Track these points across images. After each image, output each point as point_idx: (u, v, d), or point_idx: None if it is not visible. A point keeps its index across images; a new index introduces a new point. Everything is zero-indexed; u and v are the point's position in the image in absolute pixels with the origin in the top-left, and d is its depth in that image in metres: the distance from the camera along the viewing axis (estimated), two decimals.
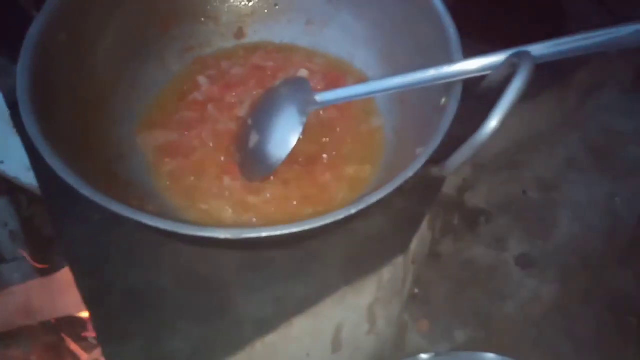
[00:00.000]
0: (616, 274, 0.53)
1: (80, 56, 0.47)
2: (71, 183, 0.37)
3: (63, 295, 0.67)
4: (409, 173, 0.36)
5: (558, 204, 0.56)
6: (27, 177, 0.82)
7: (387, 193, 0.35)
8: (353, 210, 0.35)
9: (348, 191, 0.46)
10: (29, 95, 0.40)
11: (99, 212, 0.46)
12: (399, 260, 0.42)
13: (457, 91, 0.40)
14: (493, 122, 0.34)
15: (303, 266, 0.41)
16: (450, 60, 0.43)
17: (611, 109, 0.62)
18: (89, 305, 0.40)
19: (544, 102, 0.58)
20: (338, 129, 0.50)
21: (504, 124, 0.34)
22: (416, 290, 0.52)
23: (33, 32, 0.44)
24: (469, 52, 0.43)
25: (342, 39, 0.55)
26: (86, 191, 0.36)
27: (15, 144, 0.87)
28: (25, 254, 0.77)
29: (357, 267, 0.41)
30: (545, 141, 0.60)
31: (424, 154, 0.37)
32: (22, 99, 0.40)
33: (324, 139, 0.49)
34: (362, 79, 0.53)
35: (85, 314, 0.69)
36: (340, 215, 0.35)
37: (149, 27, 0.53)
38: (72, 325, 0.71)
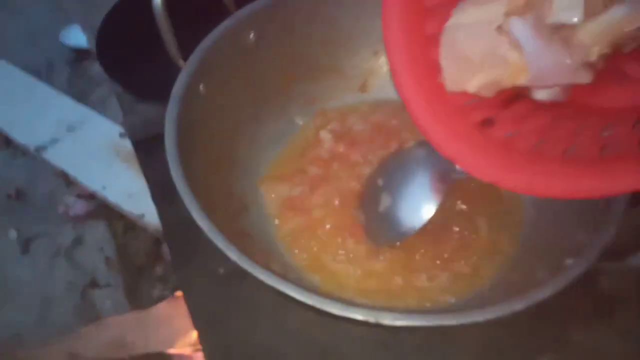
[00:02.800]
0: None
1: (214, 107, 0.48)
2: (212, 237, 0.36)
3: (156, 330, 0.67)
4: (581, 268, 0.33)
5: None
6: (127, 204, 0.85)
7: (557, 289, 0.33)
8: (518, 307, 0.32)
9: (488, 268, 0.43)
10: (176, 149, 0.41)
11: (222, 265, 0.46)
12: (545, 358, 0.38)
13: None
14: None
15: (438, 350, 0.38)
16: None
17: None
18: None
19: None
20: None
21: None
22: None
23: (180, 83, 0.44)
24: None
25: None
26: (225, 247, 0.36)
27: (117, 170, 0.92)
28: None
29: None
30: None
31: (594, 246, 0.34)
32: (170, 153, 0.40)
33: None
34: None
35: (174, 350, 0.69)
36: (500, 312, 0.32)
37: (276, 81, 0.54)
38: (159, 359, 0.71)
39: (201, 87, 0.46)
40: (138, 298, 0.79)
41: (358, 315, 0.33)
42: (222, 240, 0.36)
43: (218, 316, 0.42)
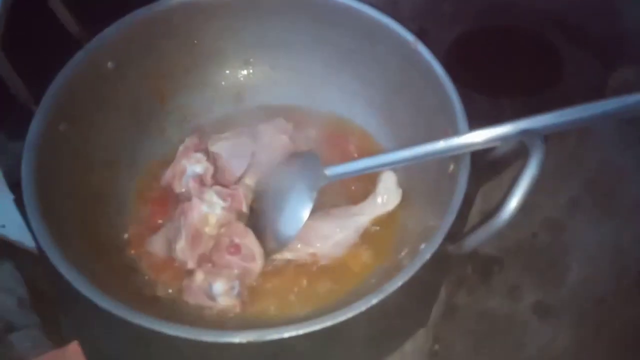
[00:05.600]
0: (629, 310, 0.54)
1: (81, 142, 0.47)
2: (89, 296, 0.36)
3: None
4: (426, 255, 0.36)
5: (567, 246, 0.56)
6: (29, 240, 0.81)
7: (409, 277, 0.36)
8: (374, 300, 0.35)
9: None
10: (34, 196, 0.40)
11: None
12: (420, 332, 0.42)
13: (466, 161, 0.40)
14: (511, 206, 0.34)
15: (325, 349, 0.41)
16: (454, 126, 0.43)
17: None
18: None
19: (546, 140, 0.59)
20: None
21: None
22: (436, 347, 0.51)
23: (34, 128, 0.43)
24: (468, 102, 0.43)
25: (342, 98, 0.55)
26: (103, 302, 0.36)
27: (14, 207, 0.87)
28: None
29: (379, 345, 0.41)
30: (549, 180, 0.60)
31: (438, 232, 0.37)
32: (28, 202, 0.40)
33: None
34: (364, 137, 0.53)
35: None
36: (362, 307, 0.35)
37: (146, 102, 0.53)
38: None
39: (61, 126, 0.45)
40: (61, 331, 0.77)
41: (234, 339, 0.35)
42: (90, 289, 0.36)
43: (114, 356, 0.42)
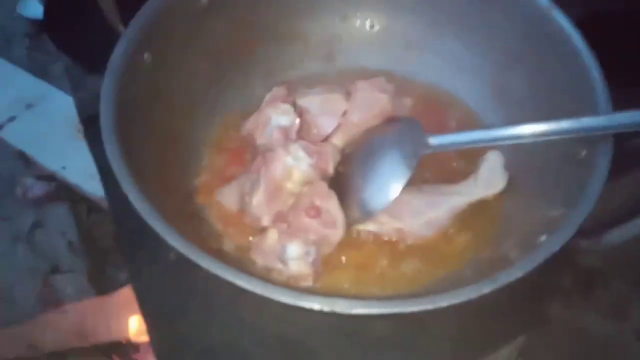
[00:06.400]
0: None
1: (163, 79, 0.44)
2: (155, 227, 0.33)
3: (118, 318, 0.64)
4: (554, 247, 0.30)
5: None
6: (89, 185, 0.80)
7: (529, 270, 0.30)
8: (486, 290, 0.29)
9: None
10: (113, 125, 0.36)
11: (173, 251, 0.42)
12: (518, 341, 0.36)
13: (608, 147, 0.34)
14: None
15: (407, 337, 0.36)
16: (588, 106, 0.37)
17: None
18: None
19: None
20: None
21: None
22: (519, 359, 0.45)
23: (117, 52, 0.40)
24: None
25: (444, 68, 0.49)
26: (170, 237, 0.32)
27: (77, 149, 0.87)
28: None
29: (469, 345, 0.35)
30: None
31: (569, 223, 0.31)
32: (106, 128, 0.36)
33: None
34: (468, 113, 0.47)
35: (138, 338, 0.65)
36: (472, 293, 0.29)
37: (234, 49, 0.49)
38: (124, 347, 0.68)
39: (146, 56, 0.42)
40: (104, 283, 0.75)
41: (314, 304, 0.30)
42: (162, 224, 0.32)
43: (169, 307, 0.39)
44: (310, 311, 0.37)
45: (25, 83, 0.99)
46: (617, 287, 0.48)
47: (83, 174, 0.80)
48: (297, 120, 0.43)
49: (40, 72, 1.04)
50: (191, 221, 0.41)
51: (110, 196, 0.47)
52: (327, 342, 0.36)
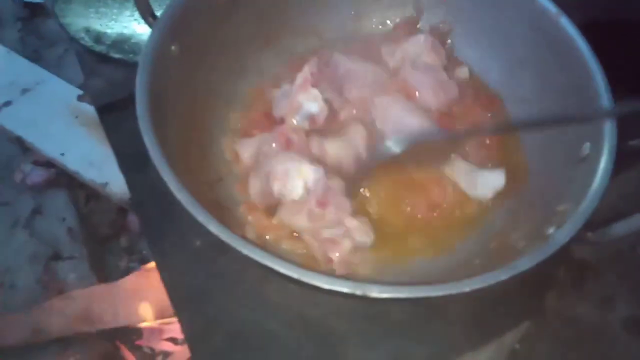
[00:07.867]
0: None
1: (188, 68, 0.45)
2: (191, 210, 0.34)
3: (125, 304, 0.65)
4: (564, 239, 0.33)
5: None
6: (88, 171, 0.80)
7: (542, 259, 0.32)
8: (503, 277, 0.32)
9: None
10: (149, 117, 0.38)
11: (199, 237, 0.44)
12: (525, 324, 0.39)
13: (612, 139, 0.37)
14: None
15: (423, 322, 0.38)
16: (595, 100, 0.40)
17: None
18: (192, 345, 0.38)
19: None
20: None
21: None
22: (517, 346, 0.48)
23: (150, 44, 0.41)
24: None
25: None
26: (206, 220, 0.34)
27: (76, 135, 0.87)
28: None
29: (481, 329, 0.38)
30: None
31: (576, 216, 0.34)
32: (143, 122, 0.37)
33: None
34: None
35: (144, 324, 0.67)
36: (490, 280, 0.32)
37: (252, 41, 0.51)
38: (127, 333, 0.69)
39: (173, 47, 0.43)
40: (104, 270, 0.76)
41: (344, 289, 0.32)
42: (202, 213, 0.34)
43: (196, 290, 0.40)
44: (334, 294, 0.40)
45: (19, 67, 0.98)
46: (607, 279, 0.51)
47: (82, 161, 0.81)
48: (325, 109, 0.44)
49: (34, 56, 1.03)
50: (215, 210, 0.42)
51: (130, 183, 0.48)
52: (349, 325, 0.39)
